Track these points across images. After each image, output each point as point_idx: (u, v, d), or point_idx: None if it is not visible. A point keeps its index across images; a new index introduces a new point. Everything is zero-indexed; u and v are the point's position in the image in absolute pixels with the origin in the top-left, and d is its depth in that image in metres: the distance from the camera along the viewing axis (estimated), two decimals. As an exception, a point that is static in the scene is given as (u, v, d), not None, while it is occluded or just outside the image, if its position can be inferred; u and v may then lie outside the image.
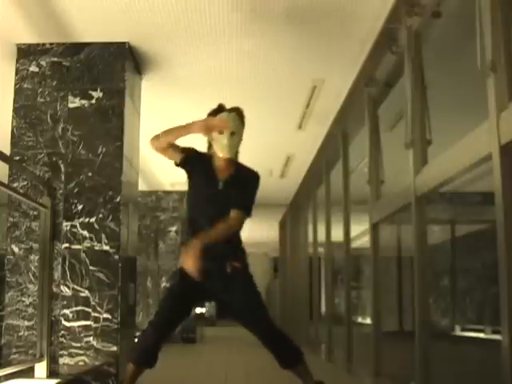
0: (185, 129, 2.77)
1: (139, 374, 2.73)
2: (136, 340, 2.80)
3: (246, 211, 2.75)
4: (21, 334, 3.57)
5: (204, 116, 2.83)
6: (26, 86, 3.83)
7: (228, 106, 2.86)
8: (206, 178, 2.81)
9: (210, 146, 2.85)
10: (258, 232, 14.07)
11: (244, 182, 2.80)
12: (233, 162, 2.83)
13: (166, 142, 2.79)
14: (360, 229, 5.78)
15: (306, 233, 8.62)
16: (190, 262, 2.54)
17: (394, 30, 3.52)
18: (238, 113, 2.81)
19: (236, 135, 2.77)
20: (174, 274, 2.82)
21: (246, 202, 2.77)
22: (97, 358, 3.51)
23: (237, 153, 2.85)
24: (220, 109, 2.83)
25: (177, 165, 2.85)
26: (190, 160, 2.82)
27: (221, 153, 2.76)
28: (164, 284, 8.79)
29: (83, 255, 3.61)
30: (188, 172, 2.88)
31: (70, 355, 3.51)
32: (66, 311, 3.55)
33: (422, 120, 3.22)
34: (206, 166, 2.82)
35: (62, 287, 3.59)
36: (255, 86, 4.63)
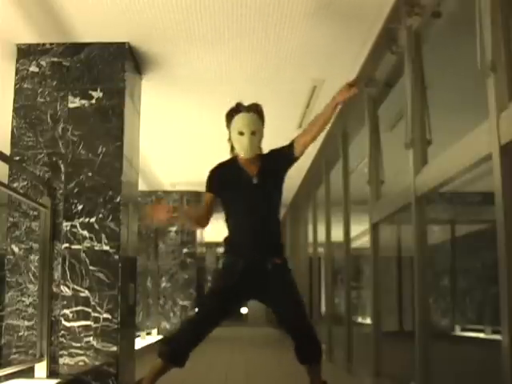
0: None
1: (166, 371, 2.70)
2: (171, 337, 2.78)
3: None
4: (21, 334, 3.57)
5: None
6: (25, 86, 3.83)
7: (228, 106, 2.86)
8: (238, 183, 2.81)
9: (232, 148, 2.86)
10: (257, 232, 14.07)
11: (273, 165, 2.84)
12: (258, 158, 2.85)
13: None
14: (360, 229, 5.78)
15: (305, 233, 8.62)
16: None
17: (394, 30, 3.52)
18: (256, 111, 2.82)
19: (256, 134, 2.78)
20: (218, 273, 2.85)
21: (288, 144, 2.90)
22: (97, 357, 3.51)
23: (261, 149, 2.87)
24: (238, 108, 2.82)
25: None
26: (217, 185, 2.85)
27: (243, 153, 2.78)
28: (164, 284, 8.80)
29: (83, 255, 3.61)
30: (219, 194, 2.88)
31: (70, 355, 3.51)
32: (66, 311, 3.55)
33: (421, 120, 3.22)
34: (234, 172, 2.83)
35: (62, 287, 3.59)
36: (255, 86, 4.63)
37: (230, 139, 2.83)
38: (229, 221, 2.87)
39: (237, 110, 2.81)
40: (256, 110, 2.82)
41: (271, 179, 2.84)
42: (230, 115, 2.81)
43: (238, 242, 2.79)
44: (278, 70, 4.36)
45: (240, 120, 2.77)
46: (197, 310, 2.89)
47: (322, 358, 2.80)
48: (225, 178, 2.84)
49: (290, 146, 2.85)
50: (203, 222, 2.89)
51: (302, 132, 2.91)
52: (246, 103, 2.87)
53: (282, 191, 2.94)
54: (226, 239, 2.86)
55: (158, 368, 2.67)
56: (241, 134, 2.75)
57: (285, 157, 2.86)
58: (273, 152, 2.89)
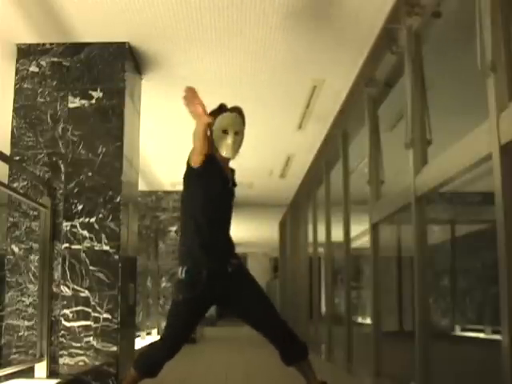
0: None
1: (140, 381, 2.77)
2: (144, 350, 2.81)
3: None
4: (21, 334, 3.57)
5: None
6: (25, 86, 3.83)
7: (229, 105, 2.87)
8: (219, 179, 2.78)
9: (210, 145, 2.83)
10: (257, 232, 14.08)
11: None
12: (228, 162, 2.86)
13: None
14: (360, 229, 5.78)
15: (305, 233, 8.62)
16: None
17: (394, 30, 3.52)
18: (239, 112, 2.82)
19: (239, 135, 2.78)
20: (183, 286, 2.69)
21: None
22: (97, 357, 3.51)
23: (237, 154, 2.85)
24: (221, 108, 2.83)
25: (196, 167, 2.74)
26: (207, 164, 2.75)
27: (225, 152, 2.75)
28: (164, 284, 8.80)
29: (83, 255, 3.62)
30: (200, 172, 2.75)
31: (70, 355, 3.51)
32: (66, 311, 3.55)
33: (421, 120, 3.22)
34: (217, 166, 2.78)
35: (62, 287, 3.59)
36: (255, 86, 4.63)
37: (210, 136, 2.79)
38: (191, 218, 2.74)
39: (220, 110, 2.82)
40: (239, 112, 2.83)
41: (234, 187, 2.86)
42: (215, 113, 2.80)
43: (202, 248, 2.69)
44: (277, 70, 4.35)
45: (225, 119, 2.77)
46: (167, 323, 2.76)
47: (307, 353, 2.73)
48: (211, 166, 2.75)
49: None
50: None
51: None
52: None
53: None
54: (185, 244, 2.75)
55: (132, 378, 2.77)
56: (225, 132, 2.74)
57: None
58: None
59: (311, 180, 7.69)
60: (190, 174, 2.78)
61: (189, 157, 2.79)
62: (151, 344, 2.86)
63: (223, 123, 2.76)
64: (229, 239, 2.80)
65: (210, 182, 2.73)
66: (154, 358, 2.73)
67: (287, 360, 2.71)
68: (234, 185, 2.86)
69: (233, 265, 2.72)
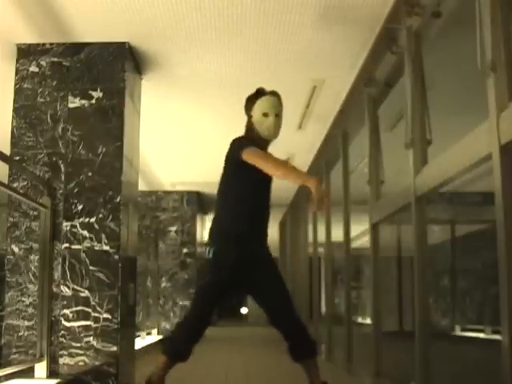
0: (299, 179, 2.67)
1: (172, 367, 2.75)
2: (173, 334, 2.84)
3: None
4: (21, 334, 3.57)
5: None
6: (25, 85, 3.83)
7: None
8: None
9: (248, 130, 2.87)
10: (258, 232, 14.06)
11: None
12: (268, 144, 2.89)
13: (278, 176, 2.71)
14: (360, 229, 5.78)
15: (305, 233, 8.62)
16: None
17: (394, 30, 3.52)
18: (277, 96, 2.89)
19: (279, 117, 2.84)
20: (210, 267, 2.76)
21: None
22: (97, 357, 3.51)
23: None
24: (261, 92, 2.88)
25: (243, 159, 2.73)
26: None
27: (267, 133, 2.81)
28: (164, 284, 8.80)
29: (83, 255, 3.61)
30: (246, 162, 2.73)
31: (70, 355, 3.51)
32: (66, 311, 3.55)
33: (421, 120, 3.22)
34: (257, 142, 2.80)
35: (62, 287, 3.59)
36: (255, 86, 4.61)
37: (249, 122, 2.87)
38: (233, 202, 2.79)
39: (261, 93, 2.88)
40: (278, 95, 2.90)
41: None
42: (254, 98, 2.87)
43: (238, 234, 2.76)
44: (277, 70, 4.35)
45: (265, 102, 2.84)
46: (192, 304, 2.85)
47: (316, 351, 2.77)
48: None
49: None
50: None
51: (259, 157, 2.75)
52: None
53: None
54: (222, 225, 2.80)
55: (164, 364, 2.74)
56: (265, 115, 2.81)
57: None
58: None
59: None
60: (235, 160, 2.75)
61: (241, 146, 2.72)
62: (176, 326, 2.86)
63: (264, 106, 2.82)
64: (264, 228, 2.85)
65: (254, 170, 2.71)
66: (180, 341, 2.75)
67: (295, 356, 2.75)
68: None
69: (262, 253, 2.78)
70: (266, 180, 2.81)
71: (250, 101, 2.88)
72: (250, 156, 2.68)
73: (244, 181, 2.78)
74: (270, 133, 2.81)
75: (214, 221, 2.86)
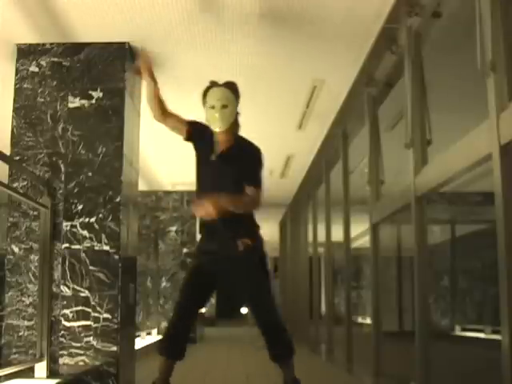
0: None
1: (172, 367, 2.77)
2: (164, 333, 2.86)
3: (259, 186, 2.80)
4: (21, 334, 3.57)
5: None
6: (25, 85, 3.83)
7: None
8: (205, 151, 2.88)
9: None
10: (257, 232, 14.06)
11: (243, 155, 2.84)
12: (233, 135, 2.88)
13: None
14: (360, 229, 5.79)
15: (305, 233, 8.62)
16: (204, 210, 2.61)
17: (394, 30, 3.52)
18: (228, 86, 2.88)
19: (228, 108, 2.82)
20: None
21: (256, 178, 2.81)
22: (97, 357, 3.51)
23: (237, 126, 2.91)
24: (211, 85, 2.89)
25: (184, 139, 2.98)
26: (195, 132, 2.93)
27: (214, 126, 2.84)
28: (164, 284, 8.79)
29: (83, 255, 3.61)
30: (194, 144, 2.98)
31: (70, 355, 3.51)
32: (66, 311, 3.55)
33: (421, 120, 3.22)
34: (208, 138, 2.88)
35: (62, 287, 3.59)
36: (255, 87, 4.63)
37: (206, 117, 2.89)
38: (196, 183, 2.94)
39: (210, 86, 2.89)
40: (228, 85, 2.89)
41: (235, 164, 2.81)
42: (205, 92, 2.88)
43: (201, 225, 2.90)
44: (278, 70, 4.35)
45: (211, 94, 2.85)
46: (176, 302, 2.89)
47: (293, 352, 2.79)
48: (202, 137, 2.90)
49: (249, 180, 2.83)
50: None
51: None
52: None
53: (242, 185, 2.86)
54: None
55: (163, 366, 2.75)
56: (212, 107, 2.82)
57: (247, 171, 2.84)
58: (249, 145, 2.89)
59: (311, 180, 7.69)
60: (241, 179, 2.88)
61: (260, 180, 2.88)
62: (167, 325, 2.88)
63: (210, 99, 2.84)
64: (241, 216, 2.77)
65: (200, 155, 2.93)
66: (170, 338, 2.78)
67: (272, 357, 2.79)
68: (229, 160, 2.83)
69: (235, 248, 2.74)
70: (208, 158, 2.92)
71: (203, 96, 2.90)
72: (258, 195, 2.77)
73: (196, 165, 2.99)
74: (216, 125, 2.81)
75: None
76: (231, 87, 2.87)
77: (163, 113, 3.07)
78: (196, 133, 2.93)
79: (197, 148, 2.97)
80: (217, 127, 2.82)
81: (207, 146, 2.88)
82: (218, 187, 2.73)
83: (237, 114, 2.89)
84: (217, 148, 2.86)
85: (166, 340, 2.79)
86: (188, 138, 2.97)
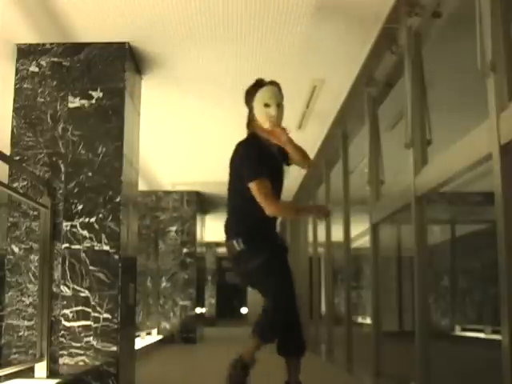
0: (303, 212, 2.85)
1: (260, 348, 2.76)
2: (264, 319, 2.81)
3: None
4: (21, 334, 3.57)
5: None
6: (25, 85, 3.83)
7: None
8: (270, 157, 2.87)
9: (250, 123, 2.89)
10: (258, 232, 14.04)
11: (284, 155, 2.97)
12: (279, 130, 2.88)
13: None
14: (360, 229, 5.78)
15: (305, 233, 8.62)
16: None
17: (394, 30, 3.52)
18: (277, 85, 2.89)
19: (280, 107, 2.84)
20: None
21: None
22: (97, 357, 3.51)
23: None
24: (260, 83, 2.87)
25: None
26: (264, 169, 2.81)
27: (268, 123, 2.80)
28: (164, 284, 8.79)
29: (83, 255, 3.61)
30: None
31: (70, 355, 3.51)
32: (66, 311, 3.55)
33: (421, 120, 3.22)
34: (264, 148, 2.84)
35: (62, 287, 3.58)
36: (255, 86, 4.63)
37: (250, 114, 2.88)
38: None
39: (260, 84, 2.87)
40: (277, 84, 2.90)
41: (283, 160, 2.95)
42: (254, 89, 2.86)
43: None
44: (278, 70, 4.35)
45: (266, 92, 2.83)
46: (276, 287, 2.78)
47: (303, 352, 2.77)
48: (263, 157, 2.81)
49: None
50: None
51: None
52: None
53: None
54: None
55: (255, 345, 2.75)
56: (267, 105, 2.80)
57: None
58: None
59: (311, 180, 7.69)
60: (241, 179, 2.86)
61: (252, 174, 2.78)
62: (267, 312, 2.80)
63: (264, 97, 2.82)
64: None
65: (267, 169, 2.86)
66: (276, 325, 2.74)
67: (282, 351, 2.76)
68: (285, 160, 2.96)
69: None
70: (279, 163, 2.99)
71: (249, 93, 2.87)
72: (255, 189, 2.73)
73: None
74: (272, 122, 2.80)
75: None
76: (280, 88, 2.91)
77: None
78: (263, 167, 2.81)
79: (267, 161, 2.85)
80: (272, 124, 2.81)
81: (269, 153, 2.86)
82: (282, 184, 2.91)
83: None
84: (274, 148, 2.89)
85: (272, 326, 2.75)
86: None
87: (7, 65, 3.98)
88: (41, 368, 3.43)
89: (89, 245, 3.62)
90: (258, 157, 2.76)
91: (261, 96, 2.81)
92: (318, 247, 7.61)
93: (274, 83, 2.88)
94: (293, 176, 7.89)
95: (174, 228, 8.95)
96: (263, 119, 2.80)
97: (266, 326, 2.74)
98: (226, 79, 4.50)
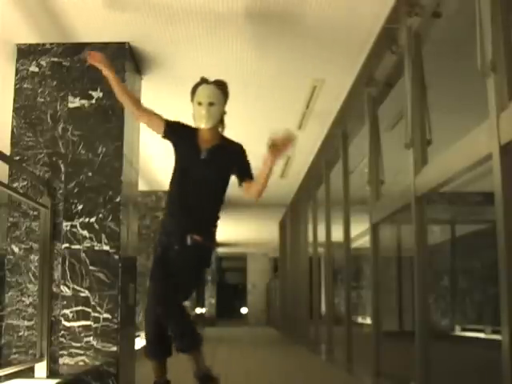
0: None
1: (163, 368, 2.77)
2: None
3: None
4: (21, 334, 3.57)
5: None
6: (25, 85, 3.83)
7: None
8: (189, 150, 2.86)
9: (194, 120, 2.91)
10: (257, 232, 14.07)
11: (230, 153, 2.86)
12: (218, 134, 2.88)
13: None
14: (360, 229, 5.78)
15: (305, 233, 8.62)
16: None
17: (393, 30, 3.52)
18: (217, 84, 2.87)
19: (215, 106, 2.82)
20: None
21: (251, 171, 2.86)
22: (97, 357, 3.51)
23: (223, 126, 2.90)
24: (201, 81, 2.88)
25: (162, 137, 2.92)
26: (173, 130, 2.88)
27: (200, 123, 2.82)
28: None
29: (83, 255, 3.61)
30: (173, 142, 2.92)
31: (70, 355, 3.51)
32: (66, 311, 3.55)
33: (421, 120, 3.22)
34: (190, 137, 2.86)
35: (62, 287, 3.58)
36: (255, 86, 4.62)
37: (192, 114, 2.88)
38: (174, 182, 2.89)
39: (199, 83, 2.88)
40: (218, 83, 2.88)
41: (220, 163, 2.85)
42: (195, 88, 2.88)
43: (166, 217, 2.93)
44: (277, 70, 4.35)
45: (200, 91, 2.84)
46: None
47: (200, 345, 2.75)
48: (183, 137, 2.87)
49: (248, 175, 2.89)
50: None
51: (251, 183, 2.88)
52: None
53: (227, 183, 2.92)
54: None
55: (154, 368, 2.77)
56: (199, 104, 2.81)
57: (241, 168, 2.89)
58: (239, 149, 2.90)
59: (311, 180, 7.69)
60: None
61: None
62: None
63: (198, 95, 2.84)
64: (199, 214, 2.79)
65: (182, 155, 2.88)
66: (149, 338, 2.77)
67: (178, 349, 2.75)
68: (217, 156, 2.85)
69: (194, 240, 2.74)
70: (194, 156, 2.90)
71: (191, 92, 2.89)
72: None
73: (175, 165, 2.96)
74: (201, 122, 2.80)
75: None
76: (220, 86, 2.87)
77: (138, 107, 2.98)
78: (175, 131, 2.89)
79: (177, 146, 2.91)
80: (202, 124, 2.81)
81: (191, 144, 2.85)
82: (204, 185, 2.79)
83: (223, 113, 2.89)
84: (202, 146, 2.84)
85: (148, 340, 2.81)
86: (165, 136, 2.92)
87: (7, 65, 3.98)
88: (41, 368, 3.44)
89: (89, 245, 3.62)
90: (179, 124, 2.91)
91: (196, 94, 2.84)
92: (317, 247, 7.61)
93: (216, 82, 2.86)
94: (292, 176, 7.90)
95: (173, 228, 8.94)
96: (195, 117, 2.84)
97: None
98: (226, 79, 4.49)
